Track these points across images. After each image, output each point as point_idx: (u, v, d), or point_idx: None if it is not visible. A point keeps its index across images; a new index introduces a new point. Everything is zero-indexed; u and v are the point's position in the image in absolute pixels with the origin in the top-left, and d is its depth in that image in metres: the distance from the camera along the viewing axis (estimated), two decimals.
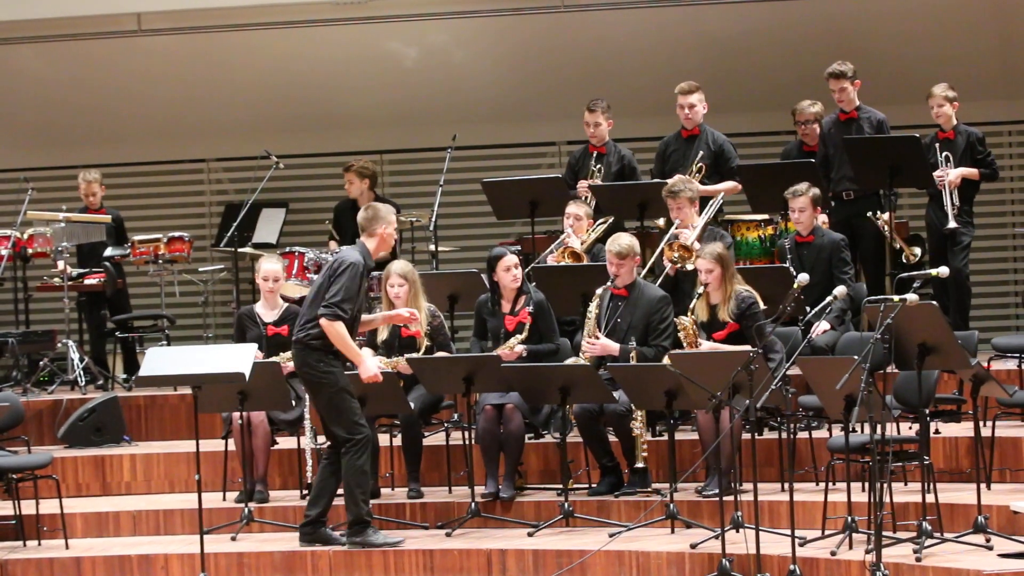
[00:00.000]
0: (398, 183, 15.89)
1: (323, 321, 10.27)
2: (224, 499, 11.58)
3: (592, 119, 13.09)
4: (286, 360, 11.54)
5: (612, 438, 11.10)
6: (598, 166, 13.03)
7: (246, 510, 11.07)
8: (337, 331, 10.27)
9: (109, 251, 13.97)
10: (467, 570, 10.39)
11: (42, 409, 12.92)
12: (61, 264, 13.67)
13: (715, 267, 10.83)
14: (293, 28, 15.34)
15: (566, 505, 10.71)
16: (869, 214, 12.44)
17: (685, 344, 10.80)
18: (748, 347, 10.33)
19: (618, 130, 13.21)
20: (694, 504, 10.64)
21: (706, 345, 10.75)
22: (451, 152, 13.87)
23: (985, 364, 10.70)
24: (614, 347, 11.04)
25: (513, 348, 11.24)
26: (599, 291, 11.21)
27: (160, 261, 13.85)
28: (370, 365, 10.45)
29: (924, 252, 12.69)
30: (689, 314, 10.82)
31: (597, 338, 11.10)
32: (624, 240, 11.22)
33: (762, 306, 10.76)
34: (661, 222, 12.63)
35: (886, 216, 12.31)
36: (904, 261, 12.40)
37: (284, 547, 10.74)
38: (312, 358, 10.36)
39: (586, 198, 12.71)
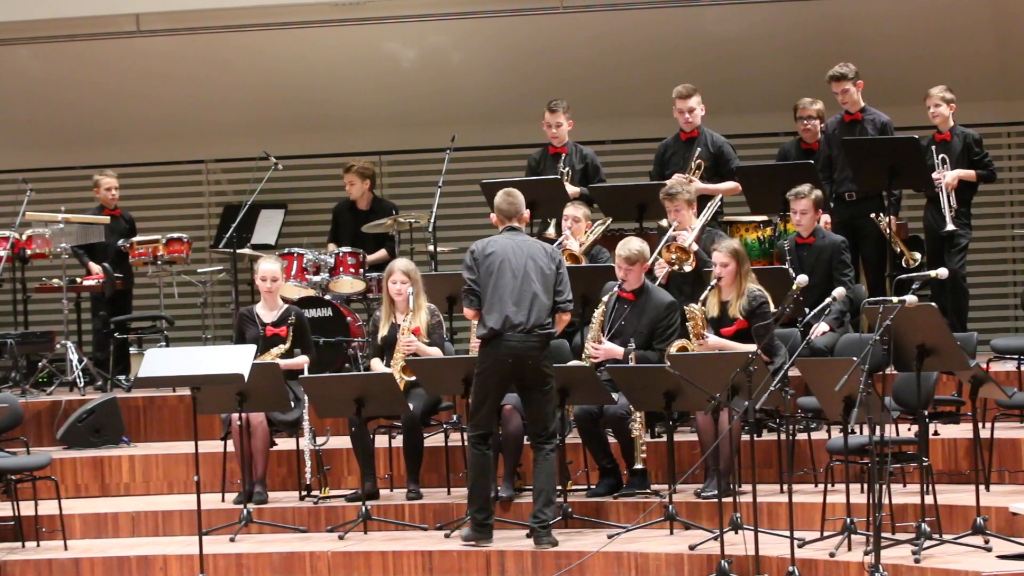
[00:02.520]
0: (397, 184, 15.88)
1: (568, 316, 10.60)
2: (223, 500, 11.58)
3: (553, 120, 13.06)
4: (276, 356, 11.52)
5: (611, 439, 11.09)
6: (567, 168, 13.02)
7: (245, 511, 11.07)
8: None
9: (121, 242, 14.02)
10: (466, 571, 10.38)
11: (41, 410, 12.92)
12: (94, 267, 13.80)
13: (730, 261, 10.79)
14: (292, 29, 15.32)
15: (565, 506, 10.70)
16: (872, 215, 12.41)
17: (692, 333, 10.77)
18: (754, 346, 10.32)
19: (617, 131, 13.21)
20: (693, 505, 10.63)
21: (713, 338, 10.75)
22: (450, 153, 13.87)
23: (984, 366, 10.69)
24: (618, 351, 11.01)
25: None
26: (605, 297, 11.18)
27: (159, 262, 13.85)
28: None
29: (924, 257, 12.67)
30: (700, 304, 10.82)
31: (600, 343, 11.09)
32: (634, 245, 11.17)
33: (773, 308, 10.73)
34: (665, 223, 12.60)
35: (886, 220, 12.30)
36: (904, 265, 12.35)
37: (283, 548, 10.75)
38: (549, 353, 10.46)
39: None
